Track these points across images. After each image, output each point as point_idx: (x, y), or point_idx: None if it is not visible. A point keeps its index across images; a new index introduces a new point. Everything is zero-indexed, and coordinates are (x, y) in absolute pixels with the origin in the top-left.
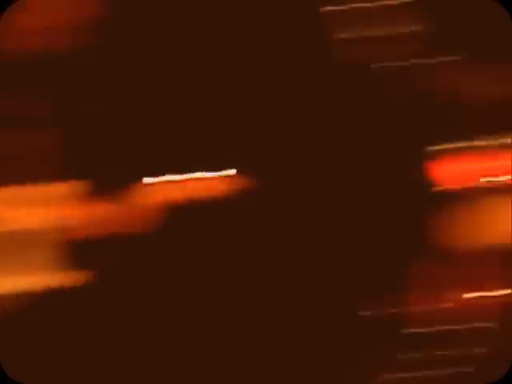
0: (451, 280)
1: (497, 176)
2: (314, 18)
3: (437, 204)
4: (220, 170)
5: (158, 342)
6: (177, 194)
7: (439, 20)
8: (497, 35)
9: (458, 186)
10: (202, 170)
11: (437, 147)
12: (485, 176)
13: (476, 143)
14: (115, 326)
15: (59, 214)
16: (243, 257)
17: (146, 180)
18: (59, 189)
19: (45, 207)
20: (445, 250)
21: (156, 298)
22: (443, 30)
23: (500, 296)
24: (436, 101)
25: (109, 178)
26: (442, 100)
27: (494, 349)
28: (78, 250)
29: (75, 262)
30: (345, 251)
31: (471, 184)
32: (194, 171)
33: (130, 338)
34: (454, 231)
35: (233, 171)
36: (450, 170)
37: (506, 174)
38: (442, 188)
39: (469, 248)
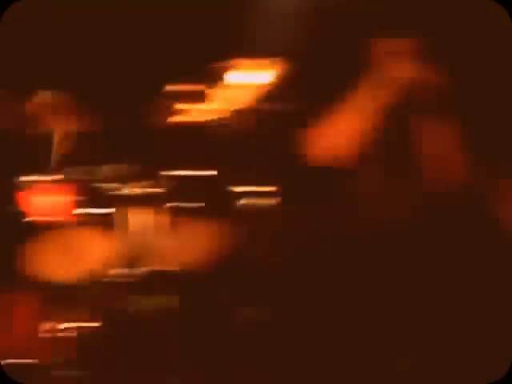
0: (40, 312)
1: (85, 208)
2: None
3: (27, 235)
4: None
5: None
6: None
7: None
8: (496, 35)
9: (47, 218)
10: None
11: (25, 178)
12: (75, 208)
13: (65, 176)
14: None
15: None
16: None
17: None
18: None
19: None
20: (35, 282)
21: None
22: None
23: (87, 328)
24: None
25: None
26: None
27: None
28: None
29: None
30: None
31: (61, 216)
32: None
33: None
34: (43, 263)
35: None
36: (40, 202)
37: (90, 207)
38: (31, 219)
39: (59, 280)
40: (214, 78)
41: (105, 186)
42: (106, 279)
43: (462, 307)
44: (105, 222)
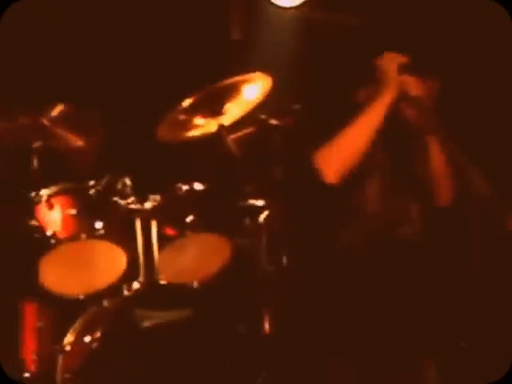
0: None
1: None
2: None
3: (41, 250)
4: None
5: None
6: None
7: None
8: (497, 35)
9: (60, 232)
10: None
11: (39, 193)
12: (84, 222)
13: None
14: None
15: None
16: None
17: None
18: None
19: None
20: (48, 295)
21: None
22: None
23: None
24: None
25: None
26: None
27: None
28: None
29: None
30: None
31: (72, 230)
32: None
33: None
34: (56, 277)
35: None
36: (52, 216)
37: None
38: (45, 233)
39: (71, 293)
40: (223, 93)
41: (116, 200)
42: (118, 293)
43: (463, 308)
44: (115, 236)
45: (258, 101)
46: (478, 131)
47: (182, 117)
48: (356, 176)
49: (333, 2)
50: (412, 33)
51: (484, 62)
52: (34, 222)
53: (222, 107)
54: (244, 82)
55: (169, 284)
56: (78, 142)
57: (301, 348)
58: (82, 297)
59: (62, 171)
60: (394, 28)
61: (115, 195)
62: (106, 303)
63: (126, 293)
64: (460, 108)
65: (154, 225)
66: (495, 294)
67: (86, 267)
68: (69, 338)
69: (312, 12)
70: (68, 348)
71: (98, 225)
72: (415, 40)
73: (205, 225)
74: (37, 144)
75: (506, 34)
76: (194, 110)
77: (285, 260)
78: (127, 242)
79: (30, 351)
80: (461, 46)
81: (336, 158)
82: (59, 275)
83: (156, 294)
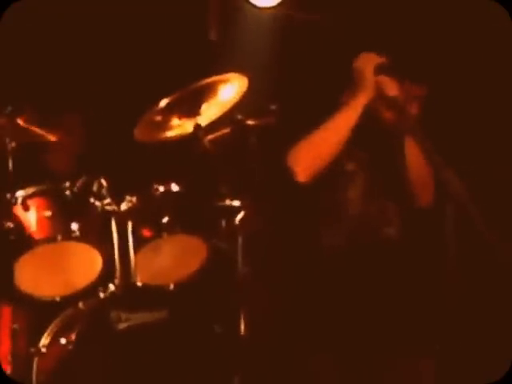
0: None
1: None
2: None
3: (15, 251)
4: None
5: None
6: None
7: None
8: (497, 35)
9: (34, 233)
10: None
11: (15, 194)
12: (59, 223)
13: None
14: None
15: None
16: None
17: None
18: None
19: None
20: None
21: None
22: None
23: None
24: None
25: None
26: None
27: None
28: None
29: None
30: None
31: (47, 231)
32: None
33: None
34: (30, 278)
35: None
36: (27, 217)
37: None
38: (20, 234)
39: (46, 295)
40: (200, 94)
41: (92, 201)
42: (92, 294)
43: (463, 309)
44: (91, 237)
45: (234, 101)
46: (462, 133)
47: (159, 117)
48: (335, 176)
49: (311, 2)
50: (406, 33)
51: (483, 62)
52: (9, 224)
53: (199, 108)
54: (220, 82)
55: (145, 285)
56: (56, 143)
57: (277, 349)
58: (57, 299)
59: (38, 172)
60: (379, 28)
61: (91, 196)
62: (81, 305)
63: (101, 294)
64: (454, 109)
65: (130, 226)
66: (487, 295)
67: (62, 269)
68: (44, 340)
69: (289, 12)
70: (44, 350)
71: (74, 226)
72: (407, 40)
73: (181, 226)
74: (12, 145)
75: (506, 34)
76: (170, 111)
77: (261, 261)
78: (103, 244)
79: (5, 353)
80: (459, 46)
81: (305, 157)
82: (35, 277)
83: (132, 296)
